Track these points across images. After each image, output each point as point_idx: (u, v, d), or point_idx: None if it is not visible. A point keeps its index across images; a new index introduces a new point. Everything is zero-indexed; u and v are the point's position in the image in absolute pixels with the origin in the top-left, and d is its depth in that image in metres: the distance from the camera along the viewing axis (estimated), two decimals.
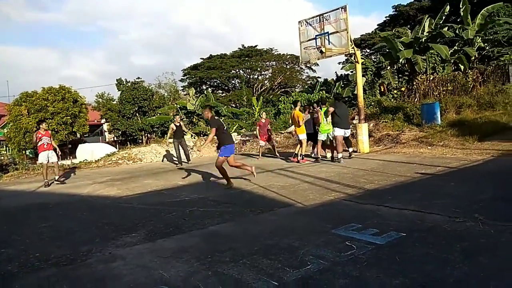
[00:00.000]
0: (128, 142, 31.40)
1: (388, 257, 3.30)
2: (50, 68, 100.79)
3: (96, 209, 6.57)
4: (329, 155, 10.76)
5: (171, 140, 18.31)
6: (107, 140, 40.05)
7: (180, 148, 12.92)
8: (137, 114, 32.86)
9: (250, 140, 17.76)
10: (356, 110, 11.02)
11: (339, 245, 3.68)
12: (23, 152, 27.96)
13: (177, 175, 10.06)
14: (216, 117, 7.87)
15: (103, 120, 37.94)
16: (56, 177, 10.27)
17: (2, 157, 25.13)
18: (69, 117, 26.47)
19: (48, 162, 10.07)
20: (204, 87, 43.80)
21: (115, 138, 36.81)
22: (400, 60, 17.75)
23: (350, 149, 10.59)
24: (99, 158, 15.46)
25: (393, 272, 2.99)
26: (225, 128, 7.77)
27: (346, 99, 20.91)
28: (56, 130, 25.99)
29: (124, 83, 33.67)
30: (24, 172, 13.19)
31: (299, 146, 10.97)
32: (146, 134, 33.42)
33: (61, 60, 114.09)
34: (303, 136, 10.86)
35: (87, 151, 18.51)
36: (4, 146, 33.16)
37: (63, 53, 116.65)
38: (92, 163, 14.79)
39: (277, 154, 12.74)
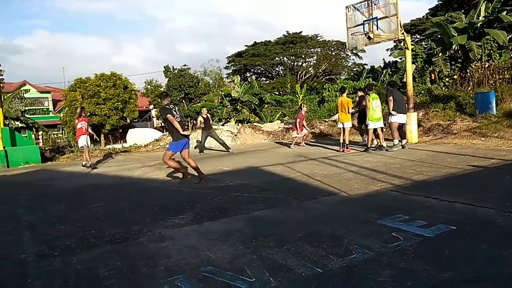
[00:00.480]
0: None
1: (436, 250, 3.22)
2: (102, 56, 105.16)
3: (146, 191, 6.88)
4: (375, 141, 10.53)
5: (215, 126, 18.67)
6: (155, 125, 41.39)
7: (208, 138, 12.93)
8: (183, 100, 33.65)
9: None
10: (404, 98, 10.64)
11: (385, 235, 3.63)
12: (74, 136, 29.57)
13: (222, 161, 10.25)
14: (168, 107, 6.92)
15: (151, 106, 39.21)
16: (85, 162, 10.74)
17: (59, 140, 26.72)
18: (119, 103, 27.57)
19: (87, 145, 10.61)
20: (248, 74, 43.98)
21: (163, 124, 37.99)
22: (453, 47, 16.83)
23: (404, 141, 10.15)
24: (148, 142, 16.06)
25: (442, 265, 2.92)
26: (180, 119, 7.00)
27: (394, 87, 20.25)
28: (107, 115, 27.22)
29: (171, 70, 34.53)
30: (79, 154, 13.97)
31: (342, 134, 10.76)
32: (191, 121, 34.19)
33: (112, 48, 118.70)
34: (348, 124, 10.68)
35: (136, 136, 19.28)
36: (60, 130, 35.18)
37: (113, 41, 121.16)
38: (141, 147, 15.41)
39: (304, 144, 12.78)
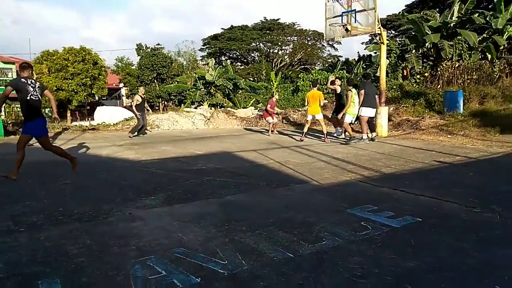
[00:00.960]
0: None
1: (403, 240, 3.35)
2: (70, 29, 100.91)
3: (115, 171, 6.75)
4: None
5: (188, 109, 18.43)
6: (124, 104, 40.42)
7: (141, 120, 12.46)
8: (155, 80, 32.96)
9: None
10: (377, 92, 10.87)
11: (354, 224, 3.74)
12: (43, 110, 28.49)
13: (195, 144, 10.17)
14: (24, 80, 5.73)
15: (121, 85, 38.18)
16: None
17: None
18: (88, 79, 26.69)
19: None
20: (223, 58, 43.54)
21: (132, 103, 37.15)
22: (426, 45, 17.31)
23: (373, 134, 10.49)
24: (117, 121, 15.69)
25: (408, 255, 3.04)
26: (30, 97, 5.69)
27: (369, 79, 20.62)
28: (75, 91, 26.30)
29: (144, 48, 33.66)
30: (55, 128, 13.50)
31: (323, 125, 11.04)
32: (163, 102, 33.61)
33: (82, 21, 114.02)
34: (320, 116, 10.86)
35: (105, 114, 18.76)
36: None
37: (83, 13, 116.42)
38: (110, 126, 15.04)
39: (270, 135, 12.69)
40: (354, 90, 10.37)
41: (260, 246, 3.22)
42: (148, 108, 12.91)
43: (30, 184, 5.68)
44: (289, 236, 3.44)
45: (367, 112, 10.04)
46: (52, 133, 12.68)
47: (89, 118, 25.81)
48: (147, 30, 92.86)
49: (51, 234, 3.56)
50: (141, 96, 12.46)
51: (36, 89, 5.80)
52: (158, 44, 34.63)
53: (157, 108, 32.49)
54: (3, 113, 26.34)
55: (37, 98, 5.79)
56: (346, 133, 10.92)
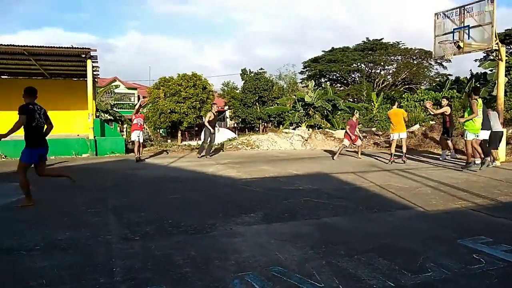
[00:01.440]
0: (246, 129, 33.02)
1: None
2: (184, 57, 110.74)
3: (218, 188, 7.15)
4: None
5: (286, 130, 18.75)
6: (228, 126, 42.65)
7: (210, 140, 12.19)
8: (257, 103, 34.26)
9: (367, 137, 17.18)
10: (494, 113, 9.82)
11: (465, 256, 3.42)
12: (158, 130, 31.40)
13: (292, 164, 10.29)
14: (31, 106, 5.50)
15: (226, 107, 40.43)
16: (140, 156, 11.47)
17: None
18: (198, 102, 28.82)
19: (139, 140, 11.33)
20: (322, 80, 43.52)
21: (235, 125, 38.99)
22: None
23: (488, 159, 9.07)
24: (221, 142, 16.61)
25: None
26: (37, 123, 5.51)
27: (482, 101, 18.79)
28: (186, 113, 28.56)
29: (248, 73, 35.34)
30: (160, 148, 14.88)
31: (393, 145, 10.64)
32: (263, 123, 34.68)
33: (194, 50, 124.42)
34: (404, 135, 10.78)
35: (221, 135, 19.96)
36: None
37: (195, 43, 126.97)
38: (215, 145, 15.97)
39: (360, 157, 11.76)
40: (480, 101, 8.74)
41: (358, 272, 3.13)
42: (217, 126, 12.64)
43: (145, 197, 6.31)
44: (390, 264, 3.28)
45: (482, 134, 9.08)
46: (151, 153, 13.98)
47: (197, 138, 27.73)
48: (251, 55, 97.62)
49: (161, 244, 3.91)
50: (213, 113, 12.29)
51: (41, 115, 5.61)
52: (261, 69, 36.11)
53: (257, 129, 33.63)
54: (125, 132, 29.72)
55: (43, 125, 5.64)
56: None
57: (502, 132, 9.94)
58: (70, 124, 16.38)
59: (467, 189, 6.51)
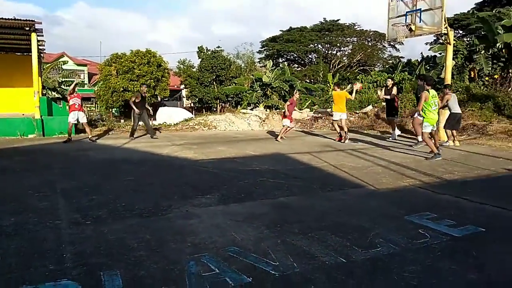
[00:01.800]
0: (203, 109, 32.60)
1: (464, 251, 3.18)
2: (137, 32, 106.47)
3: (174, 169, 7.04)
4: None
5: (244, 111, 18.70)
6: (184, 105, 41.90)
7: (139, 121, 11.80)
8: (214, 82, 33.79)
9: (323, 118, 17.53)
10: (440, 95, 10.27)
11: (412, 232, 3.60)
12: (110, 110, 30.23)
13: (250, 145, 10.31)
14: None
15: (182, 86, 39.59)
16: (90, 136, 11.27)
17: (92, 113, 27.45)
18: (152, 81, 27.91)
19: (76, 121, 11.14)
20: (280, 60, 43.59)
21: (192, 104, 38.38)
22: (497, 45, 16.10)
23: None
24: (177, 122, 16.31)
25: (469, 266, 2.88)
26: None
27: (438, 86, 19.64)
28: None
29: (205, 51, 34.63)
30: (111, 127, 14.36)
31: (337, 125, 11.10)
32: (220, 103, 34.35)
33: (148, 25, 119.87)
34: (344, 115, 11.23)
35: (166, 114, 19.58)
36: (94, 103, 36.12)
37: (149, 18, 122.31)
38: (170, 126, 15.67)
39: (279, 140, 11.31)
40: (433, 92, 8.34)
41: (312, 249, 3.22)
42: (149, 109, 12.08)
43: (96, 180, 6.08)
44: (342, 240, 3.40)
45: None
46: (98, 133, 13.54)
47: (152, 118, 27.02)
48: (208, 33, 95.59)
49: (114, 228, 3.81)
50: (141, 94, 11.75)
51: None
52: (218, 47, 35.45)
53: (214, 109, 33.28)
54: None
55: None
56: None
57: (460, 114, 10.15)
58: (15, 102, 15.36)
59: (415, 168, 6.84)
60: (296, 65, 45.76)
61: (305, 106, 22.53)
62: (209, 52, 34.52)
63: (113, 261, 3.02)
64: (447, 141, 10.07)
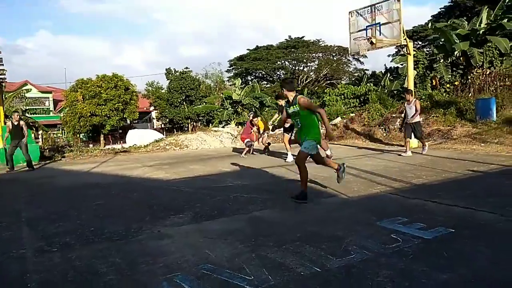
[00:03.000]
0: (174, 129, 32.35)
1: (435, 252, 3.23)
2: (103, 57, 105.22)
3: (145, 191, 6.88)
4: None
5: (215, 128, 18.67)
6: (155, 127, 41.43)
7: (15, 151, 10.68)
8: (184, 102, 33.69)
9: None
10: (406, 103, 10.60)
11: (384, 237, 3.64)
12: (78, 135, 29.52)
13: (222, 162, 10.25)
14: None
15: (152, 108, 39.25)
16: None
17: (58, 140, 26.71)
18: (120, 104, 27.60)
19: None
20: (249, 78, 44.04)
21: (163, 125, 38.01)
22: (455, 53, 16.89)
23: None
24: (148, 143, 16.07)
25: (441, 266, 2.92)
26: None
27: (395, 92, 20.28)
28: (108, 115, 27.23)
29: (173, 72, 34.59)
30: (79, 153, 13.99)
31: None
32: (192, 122, 34.20)
33: (114, 50, 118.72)
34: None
35: (136, 137, 19.29)
36: (60, 130, 35.21)
37: (115, 42, 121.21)
38: (141, 148, 15.42)
39: (244, 156, 11.26)
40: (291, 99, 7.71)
41: (287, 261, 3.19)
42: (25, 134, 10.76)
43: (63, 206, 5.86)
44: (316, 250, 3.39)
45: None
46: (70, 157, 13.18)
47: (121, 141, 26.54)
48: (176, 55, 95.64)
49: (82, 253, 3.65)
50: (13, 123, 10.64)
51: None
52: (186, 68, 35.52)
53: (186, 129, 33.09)
54: (40, 139, 27.58)
55: None
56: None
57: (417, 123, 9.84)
58: None
59: (385, 174, 6.97)
60: (265, 82, 46.31)
61: (276, 121, 22.71)
62: (178, 73, 34.54)
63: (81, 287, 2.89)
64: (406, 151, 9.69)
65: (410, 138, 9.84)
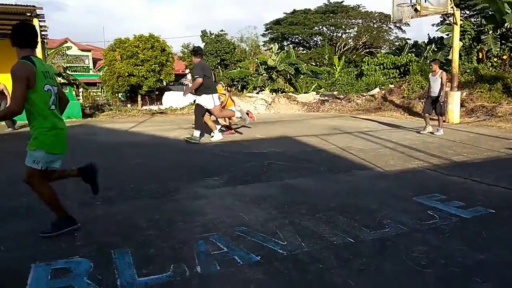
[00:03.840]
0: None
1: (473, 232, 3.17)
2: (140, 17, 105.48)
3: (182, 152, 7.05)
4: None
5: (250, 94, 18.62)
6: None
7: None
8: (219, 66, 33.60)
9: (329, 101, 17.41)
10: (448, 76, 10.11)
11: (420, 213, 3.59)
12: (116, 94, 30.24)
13: (256, 128, 10.28)
14: None
15: (187, 70, 39.42)
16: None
17: (98, 98, 27.47)
18: (157, 65, 27.81)
19: None
20: (285, 43, 43.10)
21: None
22: (506, 25, 15.78)
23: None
24: (183, 106, 16.29)
25: (478, 247, 2.88)
26: None
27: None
28: (145, 76, 27.61)
29: (208, 35, 34.34)
30: (118, 112, 14.40)
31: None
32: (226, 87, 34.23)
33: (148, 10, 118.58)
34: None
35: (172, 99, 19.53)
36: (100, 88, 36.16)
37: (150, 2, 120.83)
38: (177, 110, 15.67)
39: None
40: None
41: (320, 229, 3.22)
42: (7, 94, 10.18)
43: (104, 163, 6.09)
44: (350, 221, 3.40)
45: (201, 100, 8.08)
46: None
47: (158, 103, 27.02)
48: (211, 17, 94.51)
49: (123, 208, 3.84)
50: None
51: None
52: (222, 31, 35.14)
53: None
54: (81, 96, 28.49)
55: None
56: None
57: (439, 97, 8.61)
58: None
59: (423, 150, 6.79)
60: (301, 48, 45.23)
61: (311, 89, 22.38)
62: (213, 36, 34.23)
63: (123, 240, 3.05)
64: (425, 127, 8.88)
65: (430, 114, 8.86)
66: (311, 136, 8.68)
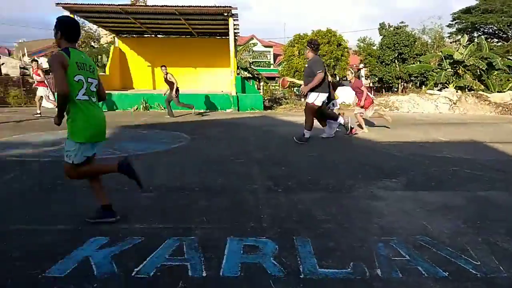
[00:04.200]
0: (383, 89, 31.27)
1: None
2: (318, 12, 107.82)
3: (357, 149, 7.01)
4: None
5: (431, 91, 17.15)
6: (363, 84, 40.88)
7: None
8: (396, 61, 31.85)
9: None
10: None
11: None
12: (292, 89, 31.86)
13: (438, 130, 9.44)
14: None
15: (361, 65, 38.67)
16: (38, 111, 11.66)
17: (276, 92, 29.43)
18: (332, 60, 28.11)
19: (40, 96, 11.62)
20: (475, 34, 37.88)
21: (371, 84, 37.16)
22: None
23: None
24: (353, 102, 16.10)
25: None
26: None
27: None
28: None
29: (387, 27, 32.80)
30: (294, 106, 15.18)
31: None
32: (402, 83, 32.27)
33: (328, 3, 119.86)
34: None
35: (346, 94, 19.48)
36: (278, 82, 38.66)
37: None
38: (351, 106, 15.59)
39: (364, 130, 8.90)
40: None
41: None
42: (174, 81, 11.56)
43: (284, 153, 6.54)
44: None
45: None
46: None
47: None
48: (391, 8, 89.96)
49: (302, 198, 4.05)
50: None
51: None
52: (402, 22, 33.06)
53: (395, 89, 31.48)
54: (261, 90, 31.02)
55: None
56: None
57: None
58: (214, 80, 17.72)
59: None
60: (496, 40, 39.03)
61: (507, 88, 19.24)
62: (392, 29, 32.56)
63: (304, 228, 3.23)
64: None
65: None
66: (507, 143, 7.49)
